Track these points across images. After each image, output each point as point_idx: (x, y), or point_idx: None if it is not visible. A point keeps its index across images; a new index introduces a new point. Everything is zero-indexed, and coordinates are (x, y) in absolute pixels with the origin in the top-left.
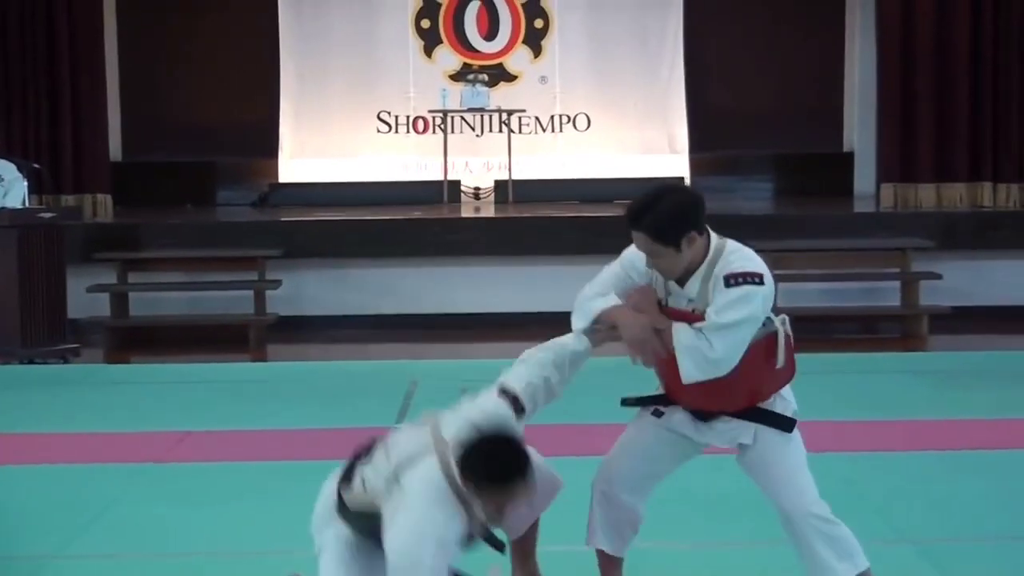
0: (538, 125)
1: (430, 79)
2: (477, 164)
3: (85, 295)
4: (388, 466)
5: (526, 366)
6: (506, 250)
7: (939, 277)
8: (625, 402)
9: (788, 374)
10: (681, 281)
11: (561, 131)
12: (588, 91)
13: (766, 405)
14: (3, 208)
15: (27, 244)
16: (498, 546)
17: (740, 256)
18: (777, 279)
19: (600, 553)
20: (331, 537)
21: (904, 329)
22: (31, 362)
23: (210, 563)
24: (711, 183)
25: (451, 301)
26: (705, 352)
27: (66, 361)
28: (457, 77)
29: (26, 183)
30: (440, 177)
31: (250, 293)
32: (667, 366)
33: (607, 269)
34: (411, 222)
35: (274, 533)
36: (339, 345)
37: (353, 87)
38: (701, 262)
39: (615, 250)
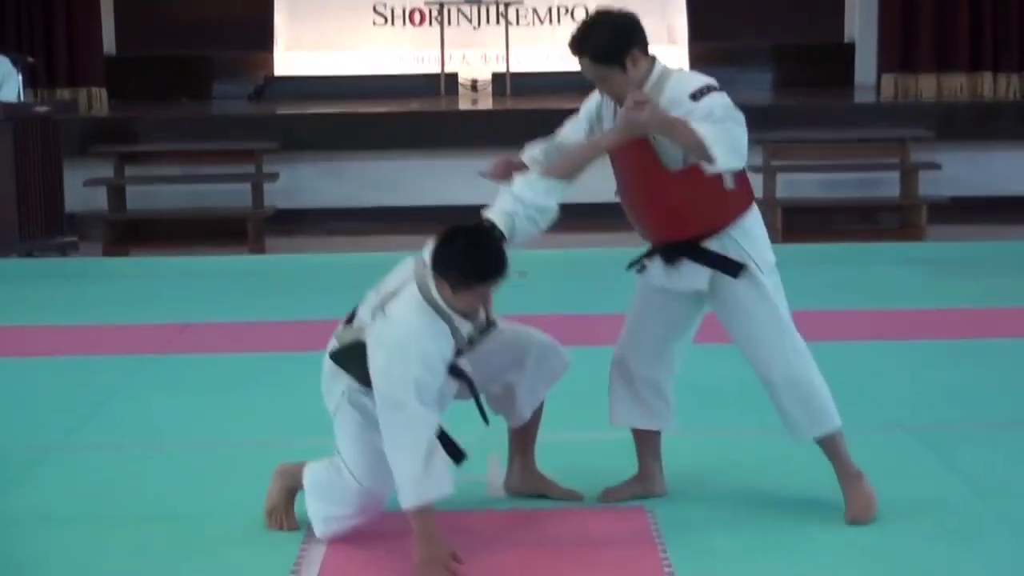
0: (536, 17)
1: None
2: (474, 56)
3: (82, 188)
4: (376, 300)
5: (505, 198)
6: (505, 142)
7: (938, 167)
8: (630, 265)
9: (742, 202)
10: None
11: (559, 23)
12: None
13: (716, 247)
14: None
15: (23, 138)
16: (458, 458)
17: (688, 75)
18: (776, 169)
19: (634, 432)
20: (339, 396)
21: (903, 219)
22: (29, 255)
23: (210, 452)
24: (710, 74)
25: (450, 193)
26: (729, 136)
27: (64, 254)
28: None
29: (20, 77)
30: (437, 70)
31: (247, 186)
32: (633, 192)
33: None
34: (409, 115)
35: (273, 423)
36: (338, 238)
37: None
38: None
39: None
